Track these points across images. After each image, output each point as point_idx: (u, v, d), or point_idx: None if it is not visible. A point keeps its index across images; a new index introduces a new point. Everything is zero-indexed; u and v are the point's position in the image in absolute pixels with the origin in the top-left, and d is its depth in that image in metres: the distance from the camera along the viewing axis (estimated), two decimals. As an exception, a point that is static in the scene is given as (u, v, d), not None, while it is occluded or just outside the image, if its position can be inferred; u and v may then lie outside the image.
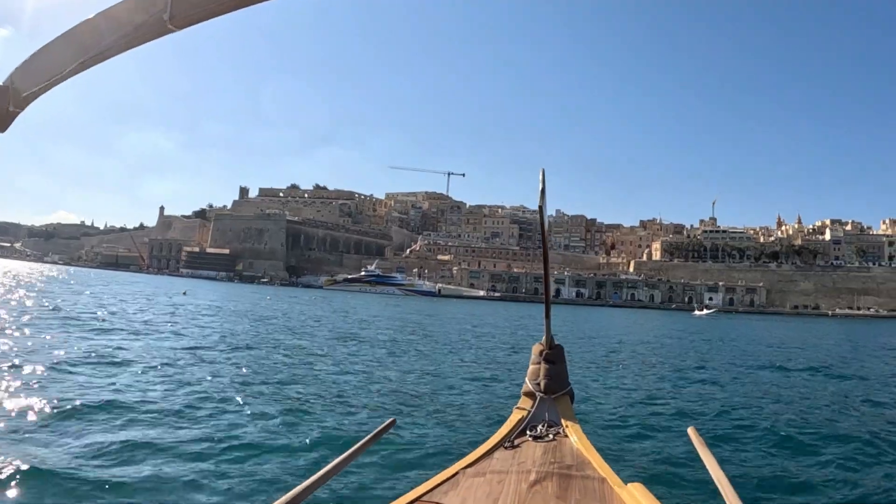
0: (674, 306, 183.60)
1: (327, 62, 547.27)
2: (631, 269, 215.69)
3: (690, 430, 3.73)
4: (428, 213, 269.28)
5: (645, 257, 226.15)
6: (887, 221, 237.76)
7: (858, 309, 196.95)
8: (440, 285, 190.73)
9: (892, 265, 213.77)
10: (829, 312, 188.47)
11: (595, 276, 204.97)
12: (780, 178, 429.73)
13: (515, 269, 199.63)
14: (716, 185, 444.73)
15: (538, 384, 4.10)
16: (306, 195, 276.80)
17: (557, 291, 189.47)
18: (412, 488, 3.03)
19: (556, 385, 4.11)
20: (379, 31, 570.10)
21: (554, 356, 4.17)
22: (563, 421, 3.99)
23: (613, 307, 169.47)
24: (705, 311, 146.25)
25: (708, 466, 3.00)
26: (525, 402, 4.12)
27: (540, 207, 3.86)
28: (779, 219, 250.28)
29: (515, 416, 4.05)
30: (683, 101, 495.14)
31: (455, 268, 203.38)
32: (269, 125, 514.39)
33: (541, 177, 3.83)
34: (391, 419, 3.90)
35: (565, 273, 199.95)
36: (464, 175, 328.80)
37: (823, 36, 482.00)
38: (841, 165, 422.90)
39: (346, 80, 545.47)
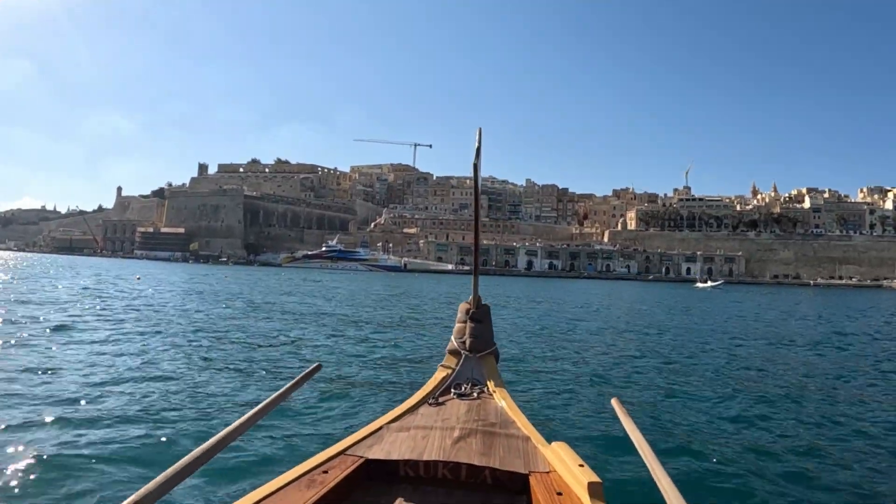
0: (650, 277, 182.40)
1: (289, 38, 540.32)
2: (605, 240, 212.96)
3: (614, 401, 3.81)
4: (394, 186, 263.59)
5: (619, 227, 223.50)
6: (865, 190, 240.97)
7: (840, 278, 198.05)
8: (406, 259, 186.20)
9: (874, 234, 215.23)
10: (811, 282, 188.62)
11: (568, 247, 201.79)
12: (752, 146, 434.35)
13: (485, 241, 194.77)
14: (688, 153, 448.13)
15: (463, 342, 4.22)
16: (267, 170, 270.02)
17: (529, 263, 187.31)
18: (336, 441, 3.15)
19: (482, 344, 4.22)
20: (342, 7, 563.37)
21: (480, 315, 4.30)
22: (487, 380, 4.12)
23: (588, 279, 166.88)
24: (710, 283, 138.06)
25: (631, 436, 3.06)
26: (450, 360, 4.24)
27: (474, 166, 4.04)
28: (753, 187, 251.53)
29: (440, 374, 4.19)
30: (655, 71, 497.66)
31: (422, 241, 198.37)
32: (230, 102, 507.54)
33: (477, 136, 4.02)
34: (316, 364, 3.99)
35: (537, 244, 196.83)
36: (430, 146, 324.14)
37: (795, 10, 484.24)
38: (813, 134, 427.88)
39: (310, 56, 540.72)
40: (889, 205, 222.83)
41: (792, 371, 18.27)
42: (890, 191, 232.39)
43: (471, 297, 4.27)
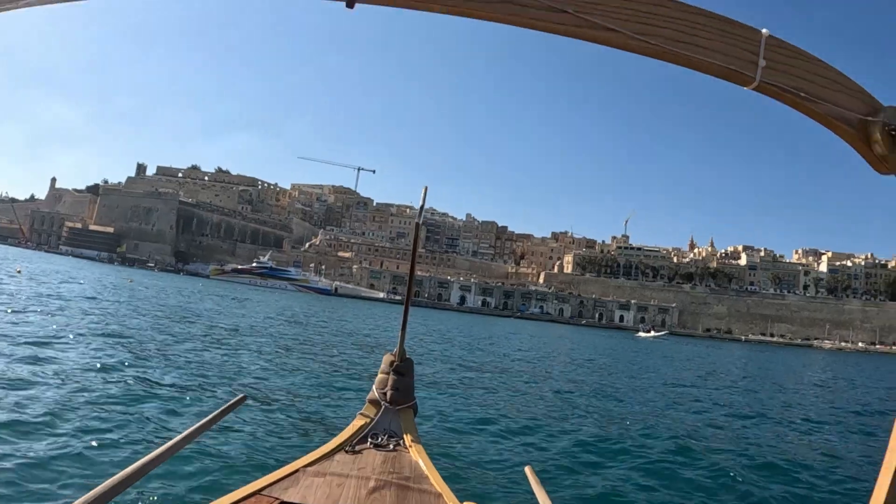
0: (583, 321, 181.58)
1: (245, 45, 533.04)
2: (541, 281, 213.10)
3: (527, 469, 3.99)
4: (333, 207, 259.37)
5: (556, 270, 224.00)
6: (800, 251, 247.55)
7: (772, 336, 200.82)
8: (337, 283, 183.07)
9: (807, 294, 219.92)
10: (743, 337, 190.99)
11: (503, 285, 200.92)
12: (692, 201, 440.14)
13: (419, 273, 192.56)
14: (629, 202, 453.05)
15: (384, 394, 4.30)
16: (206, 178, 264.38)
17: (462, 299, 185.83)
18: (251, 480, 3.24)
19: (402, 397, 4.31)
20: (301, 22, 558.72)
21: (403, 368, 4.41)
22: (405, 433, 4.19)
23: (521, 319, 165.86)
24: (653, 334, 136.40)
25: None
26: (369, 410, 4.32)
27: (417, 225, 4.26)
28: (691, 241, 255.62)
29: (358, 422, 4.24)
30: (602, 119, 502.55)
31: (355, 266, 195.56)
32: (179, 104, 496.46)
33: (422, 194, 4.11)
34: (241, 395, 4.10)
35: (472, 280, 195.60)
36: (374, 172, 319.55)
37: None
38: (753, 195, 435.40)
39: (264, 66, 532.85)
40: (823, 267, 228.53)
41: None
42: (824, 254, 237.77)
43: (396, 348, 4.35)
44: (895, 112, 1.84)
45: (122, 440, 10.08)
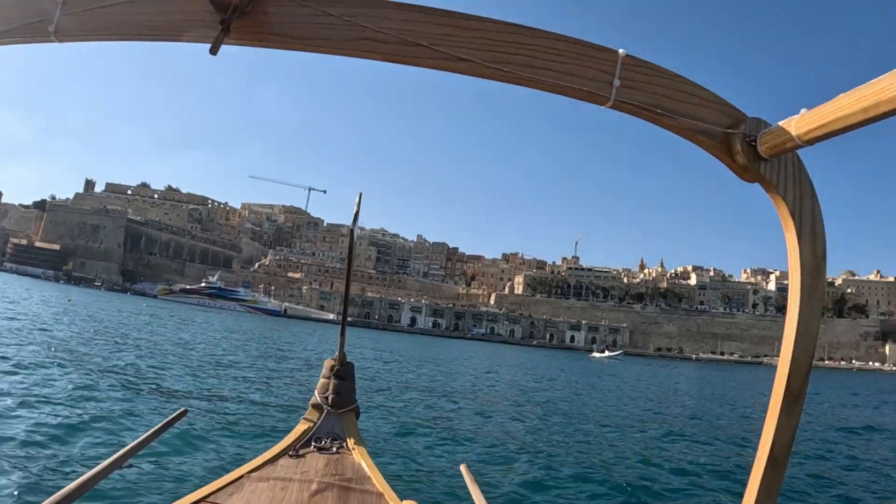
0: (534, 342, 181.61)
1: (201, 63, 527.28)
2: (492, 302, 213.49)
3: (462, 467, 4.23)
4: (283, 227, 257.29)
5: (507, 291, 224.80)
6: (749, 271, 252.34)
7: (722, 354, 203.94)
8: (287, 304, 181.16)
9: (756, 312, 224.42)
10: (694, 356, 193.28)
11: (454, 306, 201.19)
12: (642, 222, 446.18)
13: (370, 294, 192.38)
14: (579, 224, 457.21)
15: (326, 398, 4.38)
16: (156, 196, 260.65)
17: (413, 320, 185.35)
18: (195, 489, 3.31)
19: (344, 400, 4.41)
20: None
21: (344, 372, 4.51)
22: (347, 436, 4.29)
23: (472, 340, 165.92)
24: (607, 354, 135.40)
25: (476, 502, 3.51)
26: (312, 414, 4.39)
27: (351, 231, 4.27)
28: (641, 262, 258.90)
29: (302, 427, 4.32)
30: (552, 139, 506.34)
31: (305, 287, 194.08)
32: (129, 121, 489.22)
33: (357, 200, 4.17)
34: (182, 409, 4.17)
35: (423, 301, 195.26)
36: (325, 192, 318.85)
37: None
38: (701, 215, 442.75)
39: (217, 84, 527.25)
40: (772, 286, 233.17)
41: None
42: (772, 273, 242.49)
43: (336, 353, 4.44)
44: (755, 123, 1.92)
45: (44, 470, 9.66)
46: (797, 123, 1.72)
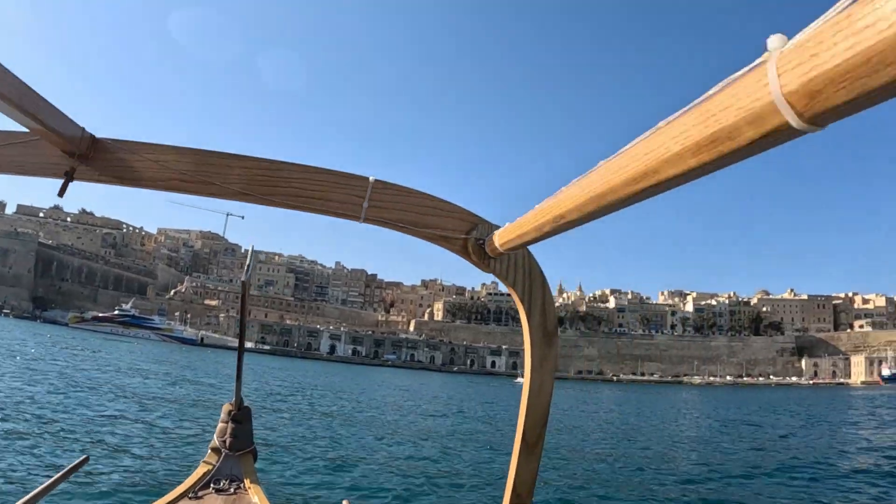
0: (455, 368, 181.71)
1: (124, 81, 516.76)
2: (411, 329, 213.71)
3: (345, 502, 4.46)
4: (200, 254, 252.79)
5: (426, 317, 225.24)
6: (666, 293, 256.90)
7: (643, 375, 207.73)
8: (203, 333, 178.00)
9: (674, 333, 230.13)
10: (614, 378, 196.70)
11: (373, 333, 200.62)
12: (559, 247, 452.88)
13: (288, 321, 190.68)
14: None
15: (224, 441, 4.52)
16: (69, 219, 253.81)
17: (332, 348, 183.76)
18: None
19: (241, 444, 4.55)
20: (182, 63, 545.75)
21: (241, 416, 4.63)
22: (245, 477, 4.40)
23: (393, 367, 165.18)
24: None
25: None
26: (211, 458, 4.52)
27: (243, 283, 4.28)
28: (560, 286, 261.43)
29: (201, 470, 4.42)
30: (463, 163, 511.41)
31: (223, 315, 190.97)
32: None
33: (249, 253, 4.39)
34: (84, 456, 4.38)
35: (342, 329, 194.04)
36: (243, 217, 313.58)
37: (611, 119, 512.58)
38: (618, 239, 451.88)
39: (136, 102, 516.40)
40: (689, 307, 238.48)
41: None
42: (689, 294, 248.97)
43: (233, 399, 4.55)
44: (486, 228, 2.30)
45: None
46: (499, 235, 2.00)
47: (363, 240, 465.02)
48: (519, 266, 2.37)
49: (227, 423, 4.49)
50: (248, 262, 4.13)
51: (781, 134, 0.78)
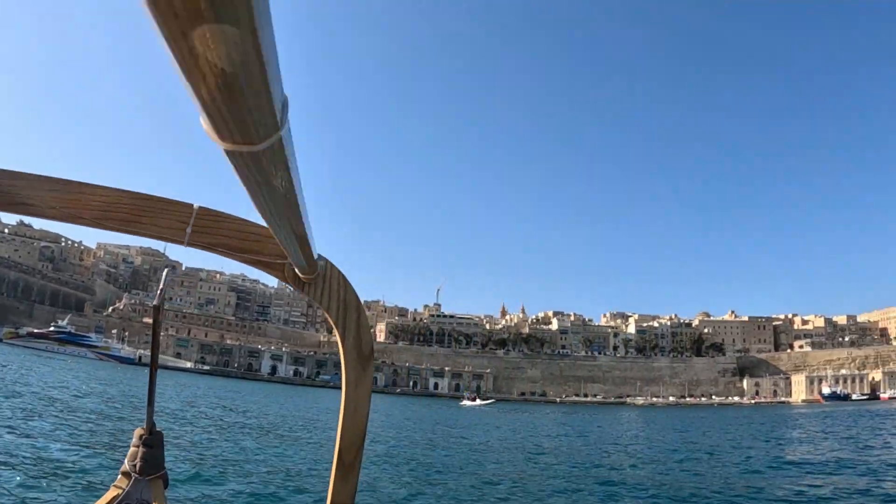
0: (398, 390, 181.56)
1: (57, 92, 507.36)
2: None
3: None
4: (140, 270, 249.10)
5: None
6: (608, 315, 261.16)
7: (586, 396, 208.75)
8: (141, 352, 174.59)
9: (617, 355, 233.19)
10: (557, 399, 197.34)
11: (315, 354, 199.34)
12: (501, 269, 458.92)
13: (229, 341, 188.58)
14: (440, 270, 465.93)
15: (134, 466, 4.28)
16: (6, 230, 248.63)
17: (274, 368, 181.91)
18: None
19: (152, 468, 4.31)
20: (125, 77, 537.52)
21: (152, 441, 4.39)
22: (154, 501, 4.26)
23: (334, 388, 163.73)
24: (479, 402, 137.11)
25: None
26: (122, 482, 4.32)
27: (154, 307, 3.96)
28: (503, 308, 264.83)
29: (111, 494, 4.26)
30: (410, 186, 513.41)
31: (161, 333, 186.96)
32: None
33: (163, 277, 4.17)
34: None
35: (283, 349, 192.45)
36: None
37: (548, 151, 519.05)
38: (560, 260, 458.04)
39: (83, 113, 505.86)
40: (631, 329, 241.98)
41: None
42: (631, 316, 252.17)
43: (145, 422, 4.31)
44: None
45: None
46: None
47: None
48: (333, 290, 2.47)
49: (138, 446, 4.29)
50: (161, 286, 3.72)
51: None
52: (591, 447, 41.87)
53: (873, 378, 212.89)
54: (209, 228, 2.44)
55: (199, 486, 18.17)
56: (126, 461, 4.23)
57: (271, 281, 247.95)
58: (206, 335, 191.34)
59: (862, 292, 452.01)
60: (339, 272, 2.60)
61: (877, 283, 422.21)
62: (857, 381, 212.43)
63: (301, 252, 2.23)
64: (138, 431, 4.26)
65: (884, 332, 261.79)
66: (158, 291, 3.76)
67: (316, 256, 2.42)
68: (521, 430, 60.10)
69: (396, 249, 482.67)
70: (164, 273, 3.80)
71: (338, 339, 2.66)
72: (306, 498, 17.44)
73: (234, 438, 31.49)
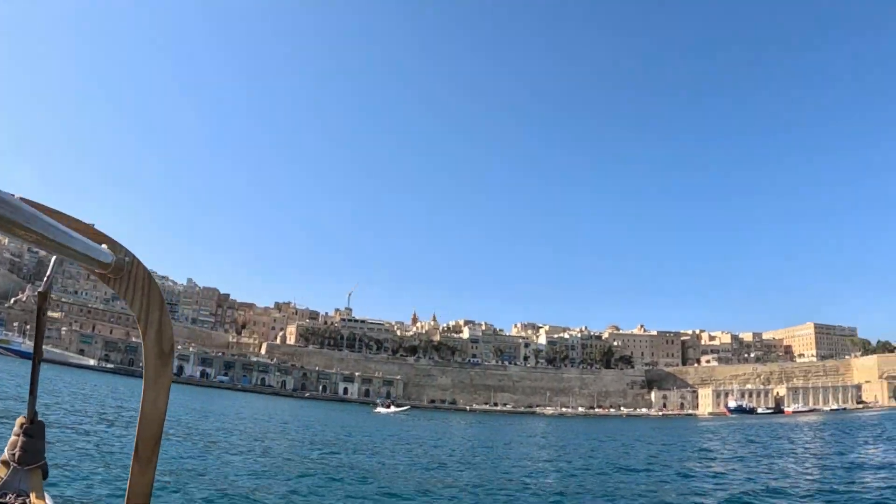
0: (307, 394, 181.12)
1: None
2: (263, 352, 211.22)
3: None
4: (45, 260, 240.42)
5: (279, 340, 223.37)
6: (520, 325, 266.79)
7: (496, 405, 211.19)
8: (45, 347, 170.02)
9: (527, 365, 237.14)
10: (468, 408, 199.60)
11: (224, 355, 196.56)
12: (414, 276, 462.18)
13: (135, 339, 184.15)
14: (353, 276, 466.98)
15: (13, 455, 4.21)
16: None
17: (180, 369, 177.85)
18: None
19: (31, 458, 4.24)
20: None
21: (33, 431, 4.29)
22: (31, 492, 4.18)
23: (243, 391, 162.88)
24: (393, 409, 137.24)
25: None
26: (0, 471, 4.26)
27: (40, 294, 3.96)
28: (414, 315, 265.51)
29: None
30: (323, 191, 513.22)
31: (65, 328, 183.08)
32: None
33: (51, 262, 3.93)
34: None
35: (190, 349, 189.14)
36: (94, 225, 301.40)
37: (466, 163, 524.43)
38: (474, 270, 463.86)
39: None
40: (542, 339, 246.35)
41: None
42: (542, 327, 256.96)
43: (27, 411, 4.19)
44: (114, 248, 2.47)
45: None
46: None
47: (217, 253, 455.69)
48: (138, 288, 2.55)
49: (18, 436, 4.29)
50: (48, 272, 3.87)
51: None
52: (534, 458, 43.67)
53: (777, 393, 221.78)
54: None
55: (77, 481, 18.53)
56: (6, 450, 4.32)
57: (180, 278, 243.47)
58: (111, 332, 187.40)
59: (768, 311, 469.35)
60: (145, 270, 2.61)
61: (782, 304, 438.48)
62: (763, 395, 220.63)
63: (89, 252, 2.27)
64: (20, 420, 4.35)
65: (788, 350, 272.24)
66: (45, 278, 3.82)
67: (115, 258, 2.41)
68: (451, 440, 61.12)
69: (309, 251, 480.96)
70: (53, 259, 3.80)
71: (141, 335, 2.66)
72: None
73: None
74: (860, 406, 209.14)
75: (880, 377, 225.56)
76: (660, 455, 45.58)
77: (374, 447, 44.94)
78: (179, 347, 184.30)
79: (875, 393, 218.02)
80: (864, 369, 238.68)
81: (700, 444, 60.63)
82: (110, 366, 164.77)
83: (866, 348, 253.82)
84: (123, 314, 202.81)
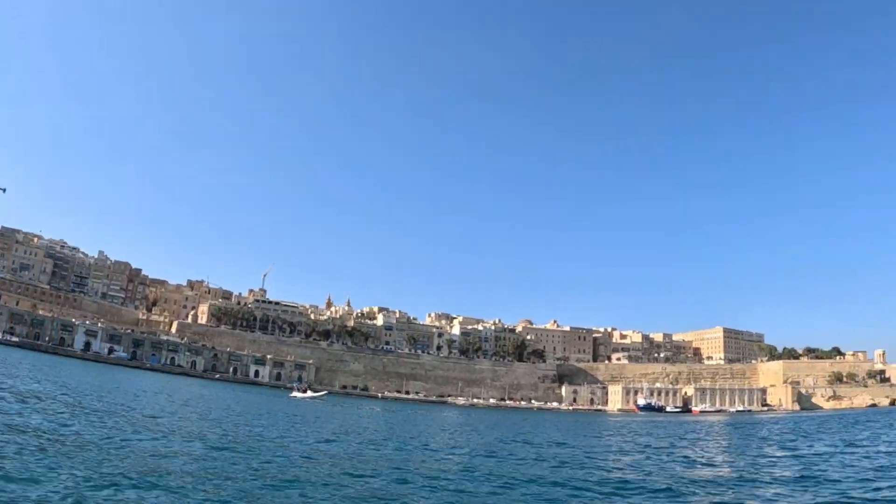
0: (217, 376, 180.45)
1: None
2: (173, 331, 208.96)
3: None
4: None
5: (190, 319, 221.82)
6: (434, 315, 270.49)
7: (407, 393, 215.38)
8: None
9: (440, 354, 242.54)
10: (379, 395, 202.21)
11: (133, 332, 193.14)
12: (329, 260, 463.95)
13: (42, 311, 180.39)
14: (269, 256, 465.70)
15: None
16: None
17: (87, 345, 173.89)
18: None
19: None
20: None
21: None
22: None
23: (151, 371, 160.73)
24: (310, 394, 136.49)
25: None
26: None
27: None
28: (329, 299, 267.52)
29: None
30: (239, 168, 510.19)
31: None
32: None
33: None
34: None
35: (99, 325, 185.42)
36: (4, 191, 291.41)
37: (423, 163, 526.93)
38: (388, 260, 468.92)
39: None
40: (455, 330, 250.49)
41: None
42: (456, 318, 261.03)
43: None
44: None
45: None
46: None
47: (130, 225, 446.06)
48: None
49: None
50: None
51: None
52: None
53: (686, 393, 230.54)
54: None
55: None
56: None
57: (91, 249, 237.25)
58: (17, 303, 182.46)
59: (679, 313, 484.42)
60: None
61: (693, 307, 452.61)
62: (671, 394, 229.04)
63: None
64: None
65: (697, 352, 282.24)
66: None
67: None
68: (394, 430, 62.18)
69: (225, 228, 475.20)
70: None
71: None
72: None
73: None
74: (765, 409, 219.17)
75: (785, 382, 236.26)
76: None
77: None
78: (87, 322, 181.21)
79: (780, 397, 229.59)
80: (769, 374, 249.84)
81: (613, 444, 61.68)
82: (14, 339, 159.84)
83: (772, 354, 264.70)
84: (31, 285, 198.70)
